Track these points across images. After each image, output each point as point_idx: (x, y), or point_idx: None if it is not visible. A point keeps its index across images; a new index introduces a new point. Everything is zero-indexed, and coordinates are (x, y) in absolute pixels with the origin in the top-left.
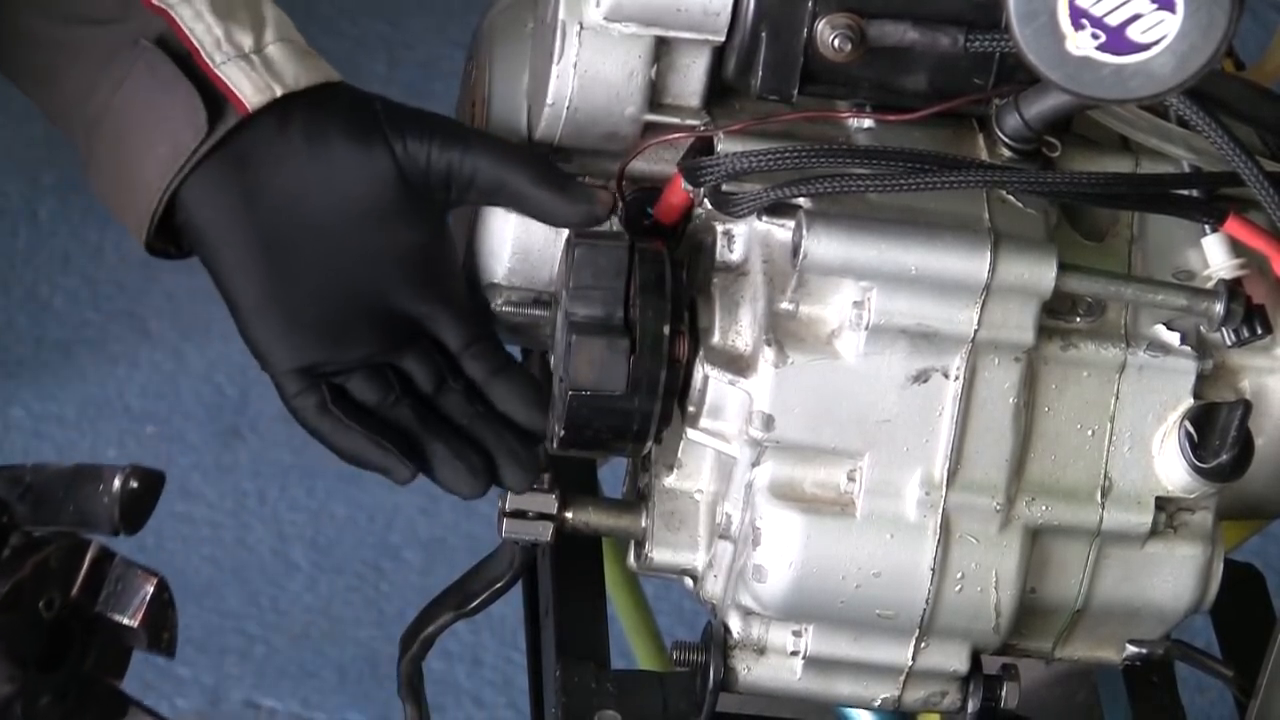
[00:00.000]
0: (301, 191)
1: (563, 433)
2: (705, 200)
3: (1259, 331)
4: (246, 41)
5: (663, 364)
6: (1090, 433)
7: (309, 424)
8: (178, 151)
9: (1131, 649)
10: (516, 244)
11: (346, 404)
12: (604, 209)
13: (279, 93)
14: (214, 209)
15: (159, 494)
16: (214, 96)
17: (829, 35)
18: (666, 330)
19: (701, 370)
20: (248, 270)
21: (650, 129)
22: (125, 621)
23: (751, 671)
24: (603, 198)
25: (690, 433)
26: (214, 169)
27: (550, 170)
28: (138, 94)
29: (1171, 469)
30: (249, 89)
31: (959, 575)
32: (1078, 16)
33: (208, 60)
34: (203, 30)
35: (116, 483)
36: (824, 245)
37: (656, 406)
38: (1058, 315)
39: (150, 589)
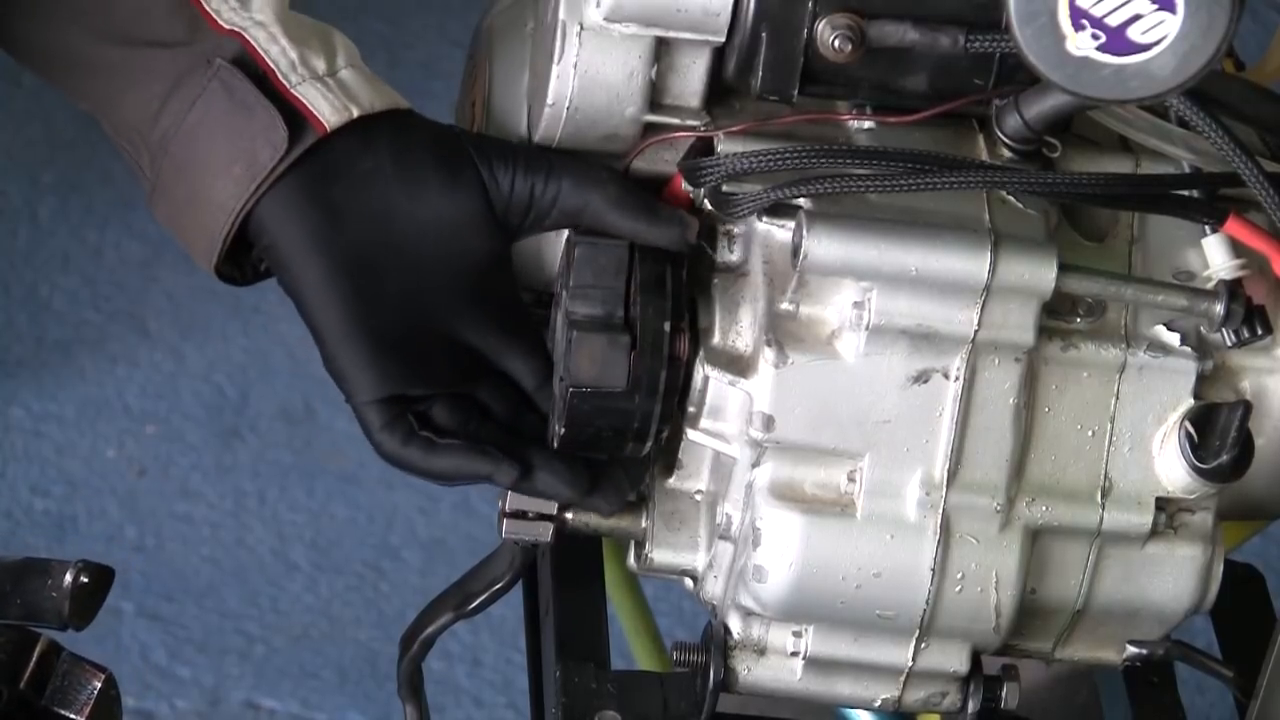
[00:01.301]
0: (387, 212)
1: (563, 431)
2: (705, 200)
3: (1259, 332)
4: (320, 65)
5: (663, 361)
6: (1090, 433)
7: (395, 456)
8: (254, 171)
9: (1131, 649)
10: (517, 245)
11: (432, 429)
12: (692, 232)
13: (356, 113)
14: (296, 229)
15: (109, 588)
16: (292, 116)
17: (829, 35)
18: (667, 327)
19: (702, 371)
20: (332, 293)
21: (650, 129)
22: (72, 717)
23: (752, 672)
24: (690, 220)
25: (690, 433)
26: (294, 188)
27: (633, 193)
28: (212, 114)
29: (1171, 469)
30: (327, 109)
31: (959, 575)
32: (1078, 17)
33: (284, 81)
34: (278, 52)
35: (67, 578)
36: (824, 246)
37: (657, 404)
38: (1058, 316)
39: (98, 685)
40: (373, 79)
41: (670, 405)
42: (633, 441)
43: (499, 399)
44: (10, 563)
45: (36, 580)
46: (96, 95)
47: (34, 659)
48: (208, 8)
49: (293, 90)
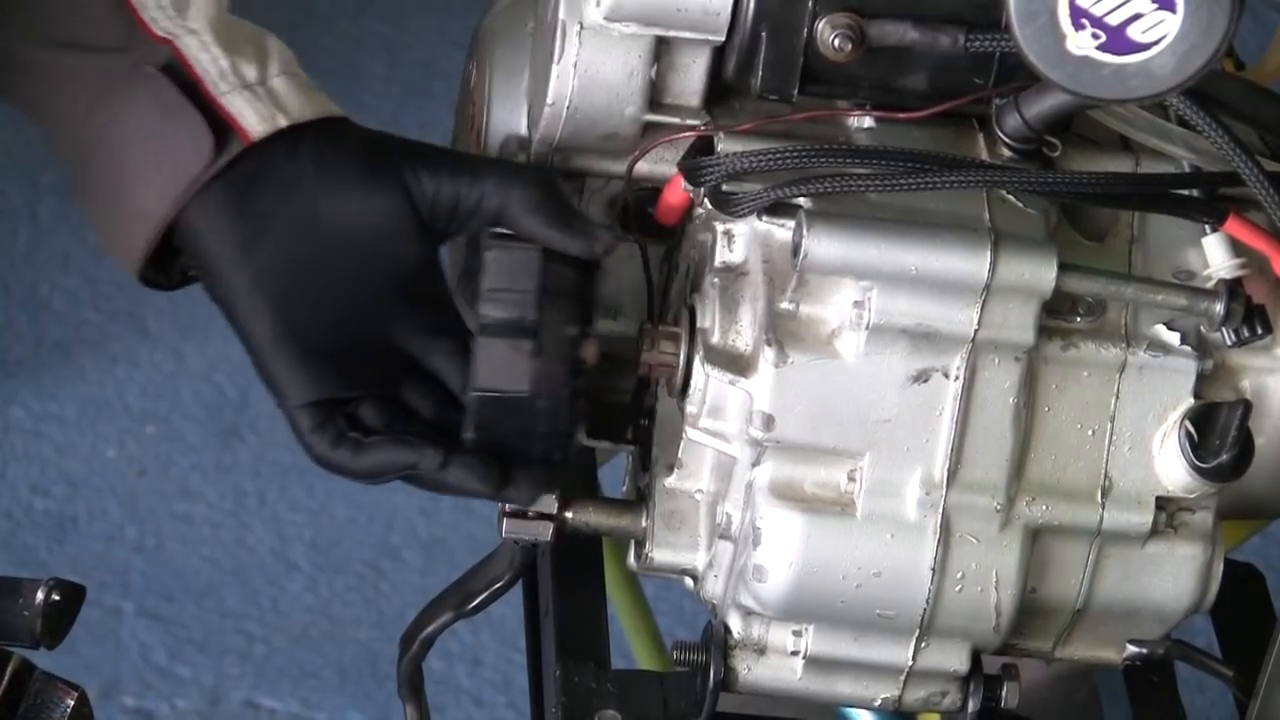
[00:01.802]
0: (312, 220)
1: (472, 434)
2: (705, 200)
3: (1259, 331)
4: (251, 73)
5: (568, 367)
6: (1090, 433)
7: (325, 459)
8: (180, 179)
9: (1132, 649)
10: None
11: (361, 429)
12: (601, 248)
13: (283, 123)
14: (222, 238)
15: (80, 606)
16: (219, 125)
17: (829, 35)
18: (572, 332)
19: (702, 370)
20: (259, 301)
21: (650, 129)
22: None
23: (752, 671)
24: (602, 237)
25: (690, 433)
26: (220, 197)
27: (552, 198)
28: (140, 122)
29: (1172, 469)
30: (254, 118)
31: (959, 575)
32: (1078, 16)
33: (212, 90)
34: (208, 61)
35: (38, 596)
36: (824, 245)
37: (563, 409)
38: (1058, 315)
39: (71, 703)
40: (306, 86)
41: (577, 409)
42: (543, 445)
43: (425, 398)
44: None
45: (7, 599)
46: (28, 95)
47: (6, 678)
48: (143, 15)
49: (220, 100)
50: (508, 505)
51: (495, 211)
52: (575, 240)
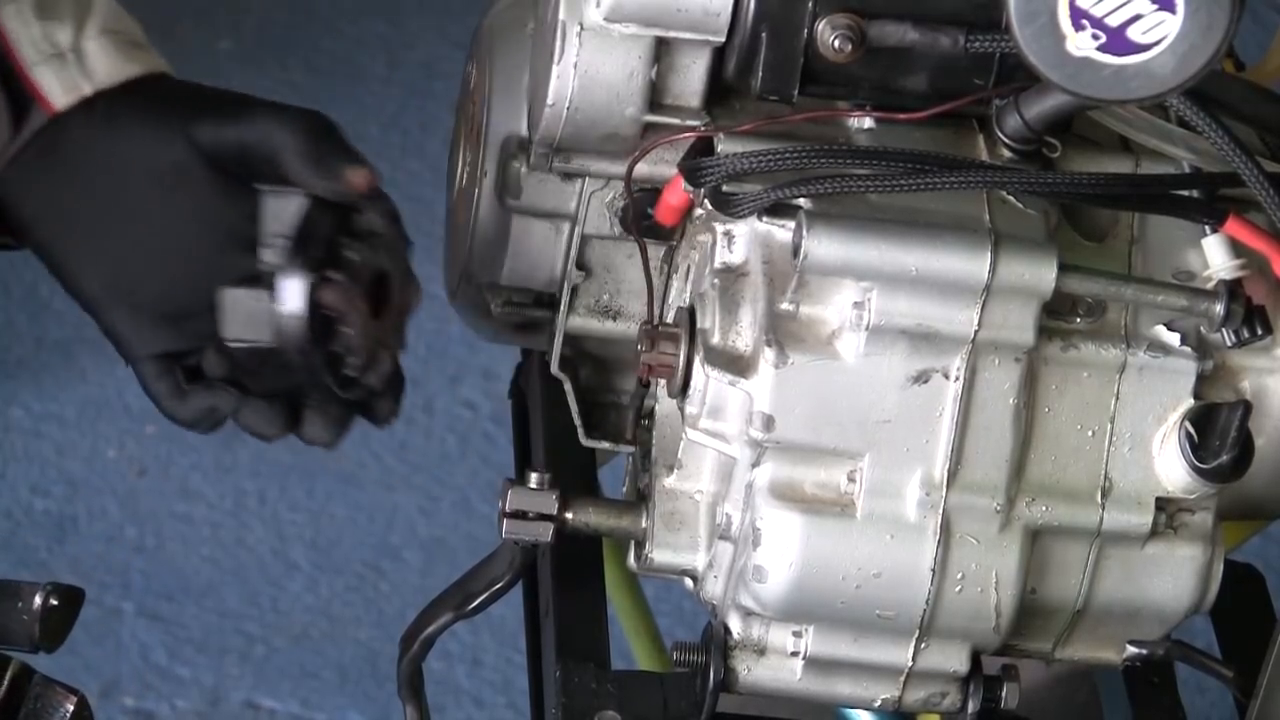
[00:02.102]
0: (111, 178)
1: (245, 381)
2: (705, 201)
3: (1259, 332)
4: (65, 38)
5: (306, 314)
6: (1090, 433)
7: (165, 410)
8: None
9: (1131, 649)
10: (516, 244)
11: (203, 381)
12: (355, 183)
13: (88, 91)
14: (38, 207)
15: (79, 610)
16: (23, 98)
17: (829, 35)
18: (309, 280)
19: (702, 371)
20: (83, 264)
21: (650, 130)
22: None
23: (752, 672)
24: (353, 178)
25: (690, 433)
26: (31, 168)
27: (316, 142)
28: None
29: (1171, 469)
30: (58, 89)
31: (959, 576)
32: (1078, 17)
33: (22, 61)
34: (20, 28)
35: (36, 600)
36: (824, 246)
37: (313, 357)
38: (1058, 316)
39: (71, 707)
40: (125, 44)
41: (331, 355)
42: (316, 391)
43: None
44: None
45: (6, 603)
46: None
47: (5, 683)
48: None
49: (28, 72)
50: (508, 505)
51: (269, 154)
52: (324, 182)
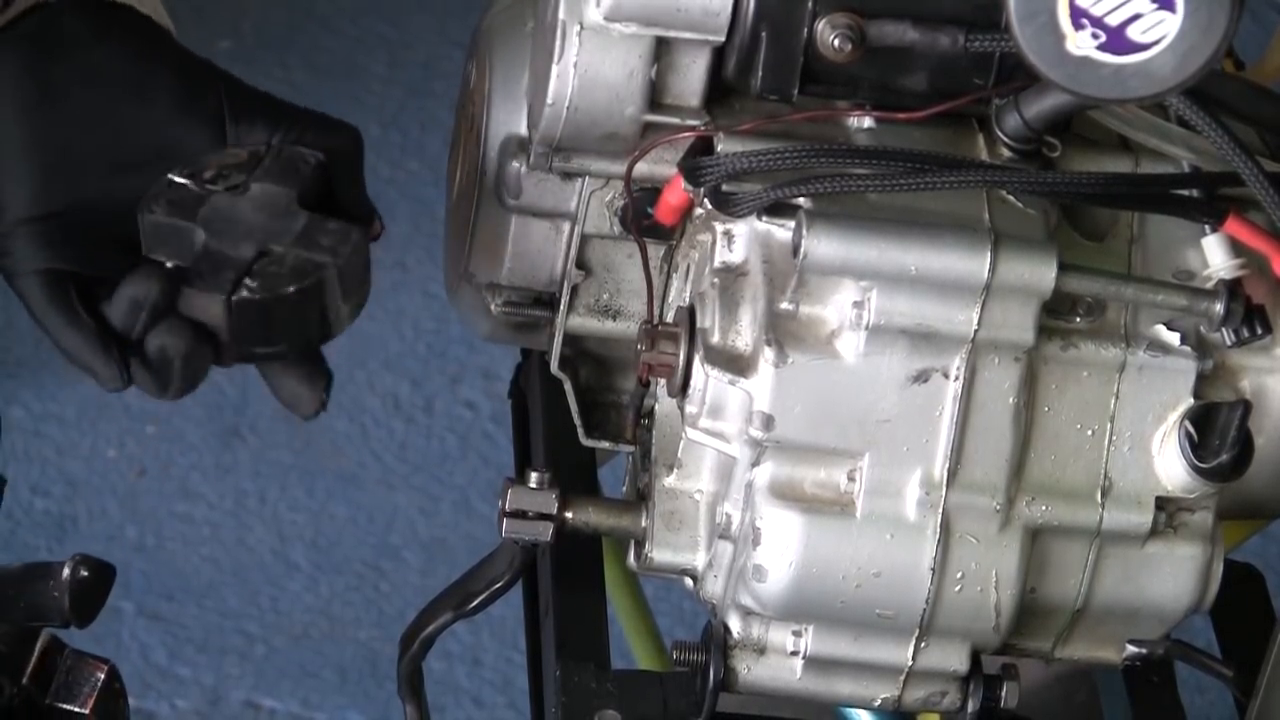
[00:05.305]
0: (113, 112)
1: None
2: (705, 200)
3: (1259, 331)
4: None
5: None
6: (1090, 433)
7: (46, 323)
8: None
9: (1131, 649)
10: (516, 244)
11: (97, 316)
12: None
13: None
14: (6, 96)
15: (110, 585)
16: None
17: (829, 35)
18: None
19: (701, 370)
20: (24, 168)
21: (650, 129)
22: (76, 710)
23: (751, 671)
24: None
25: (690, 433)
26: (12, 55)
27: (245, 100)
28: None
29: (1171, 469)
30: None
31: (959, 575)
32: (1078, 16)
33: None
34: None
35: (65, 572)
36: (824, 245)
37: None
38: (1058, 315)
39: (101, 677)
40: None
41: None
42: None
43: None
44: (13, 570)
45: (39, 584)
46: None
47: (36, 654)
48: None
49: None
50: (508, 505)
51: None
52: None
